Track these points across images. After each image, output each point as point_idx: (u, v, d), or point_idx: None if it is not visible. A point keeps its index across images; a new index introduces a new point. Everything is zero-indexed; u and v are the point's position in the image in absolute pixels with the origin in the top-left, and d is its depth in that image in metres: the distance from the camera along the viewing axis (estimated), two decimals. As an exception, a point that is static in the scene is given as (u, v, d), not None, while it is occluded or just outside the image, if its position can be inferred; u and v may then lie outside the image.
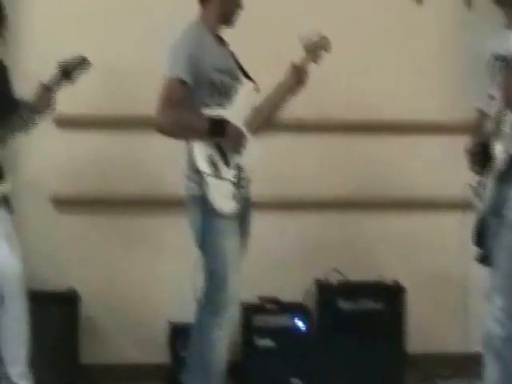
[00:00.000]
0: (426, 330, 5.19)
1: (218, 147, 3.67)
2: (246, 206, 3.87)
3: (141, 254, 5.04)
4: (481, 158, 3.75)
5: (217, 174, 3.63)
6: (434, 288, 5.27)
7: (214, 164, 3.64)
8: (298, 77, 3.94)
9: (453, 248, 4.98)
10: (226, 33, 3.97)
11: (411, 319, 5.02)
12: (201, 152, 3.64)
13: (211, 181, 3.62)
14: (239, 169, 3.74)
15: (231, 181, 3.68)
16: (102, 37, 4.92)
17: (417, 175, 5.32)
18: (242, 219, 3.83)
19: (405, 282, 5.01)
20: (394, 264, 5.21)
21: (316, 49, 4.02)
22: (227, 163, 3.69)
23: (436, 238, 5.29)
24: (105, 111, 4.96)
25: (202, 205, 3.63)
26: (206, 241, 3.67)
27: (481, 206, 3.80)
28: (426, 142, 5.33)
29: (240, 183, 3.72)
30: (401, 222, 5.31)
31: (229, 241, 3.70)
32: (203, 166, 3.62)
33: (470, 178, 3.92)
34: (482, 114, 3.97)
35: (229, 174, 3.69)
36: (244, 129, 3.79)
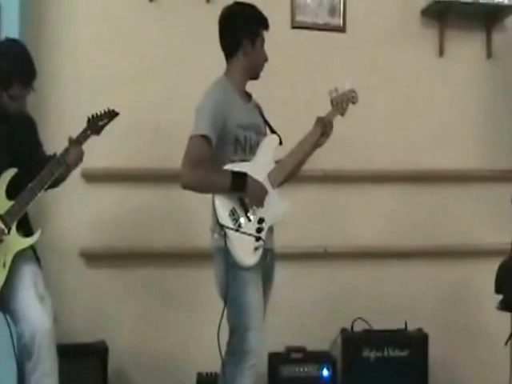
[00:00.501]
0: (454, 376, 5.25)
1: (241, 201, 3.69)
2: (269, 258, 3.87)
3: (169, 307, 5.05)
4: None
5: (238, 229, 3.64)
6: (462, 335, 5.33)
7: (235, 218, 3.65)
8: (323, 130, 3.95)
9: (482, 296, 5.00)
10: (254, 85, 4.00)
11: (437, 366, 5.07)
12: (223, 206, 3.65)
13: (232, 235, 3.63)
14: (261, 221, 3.73)
15: (253, 234, 3.68)
16: (129, 92, 4.99)
17: (443, 224, 5.40)
18: (264, 270, 3.81)
19: (430, 330, 5.04)
20: (418, 311, 5.25)
21: (343, 102, 4.06)
22: (249, 217, 3.70)
23: (464, 286, 5.34)
24: (132, 165, 5.00)
25: (225, 256, 3.63)
26: (229, 292, 3.66)
27: None
28: (458, 192, 5.42)
29: (262, 236, 3.71)
30: (424, 270, 5.37)
31: (251, 292, 3.68)
32: (225, 220, 3.63)
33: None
34: None
35: (250, 227, 3.69)
36: (266, 182, 3.78)
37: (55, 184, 3.97)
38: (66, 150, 3.88)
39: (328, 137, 3.99)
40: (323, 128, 3.96)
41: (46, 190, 3.88)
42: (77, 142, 3.92)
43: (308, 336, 5.06)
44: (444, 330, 5.23)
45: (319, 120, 3.98)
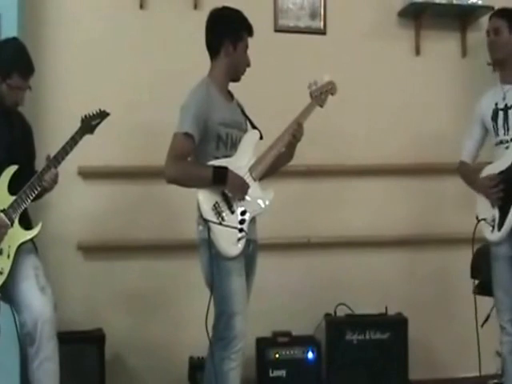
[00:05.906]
0: (432, 357, 5.48)
1: (224, 195, 3.80)
2: (252, 247, 4.00)
3: (161, 295, 5.21)
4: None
5: (221, 222, 3.77)
6: (439, 319, 5.55)
7: (218, 212, 3.77)
8: (293, 131, 4.05)
9: (458, 281, 5.14)
10: (237, 87, 4.13)
11: (416, 348, 5.27)
12: (206, 201, 3.77)
13: (216, 228, 3.75)
14: (244, 213, 3.85)
15: (235, 227, 3.80)
16: (121, 95, 5.15)
17: (422, 214, 5.59)
18: (247, 259, 3.95)
19: (410, 314, 5.24)
20: (398, 297, 5.44)
21: (321, 94, 4.17)
22: (232, 210, 3.82)
23: (441, 272, 5.57)
24: (125, 163, 5.16)
25: (210, 247, 3.76)
26: (214, 281, 3.78)
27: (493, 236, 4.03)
28: (434, 184, 5.63)
29: (244, 227, 3.84)
30: (403, 258, 5.58)
31: (235, 281, 3.81)
32: (208, 214, 3.75)
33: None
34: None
35: (233, 219, 3.81)
36: (248, 176, 3.90)
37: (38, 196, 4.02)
38: (44, 172, 3.92)
39: (297, 140, 4.08)
40: (294, 129, 4.05)
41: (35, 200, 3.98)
42: (55, 162, 3.94)
43: (293, 321, 5.26)
44: (422, 313, 5.42)
45: (293, 122, 4.09)
